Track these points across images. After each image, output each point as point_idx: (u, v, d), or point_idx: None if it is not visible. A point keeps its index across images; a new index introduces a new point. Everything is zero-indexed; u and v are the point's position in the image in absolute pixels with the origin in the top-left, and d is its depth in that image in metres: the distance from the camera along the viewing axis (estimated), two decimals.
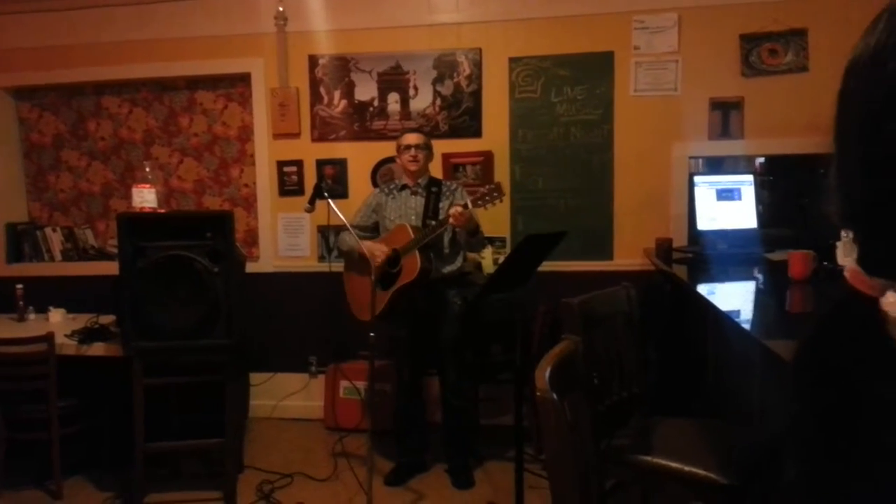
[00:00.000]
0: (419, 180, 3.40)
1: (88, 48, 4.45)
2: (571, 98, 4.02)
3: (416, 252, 3.16)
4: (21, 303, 3.95)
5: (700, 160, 4.11)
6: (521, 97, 4.08)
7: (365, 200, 3.58)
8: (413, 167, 3.36)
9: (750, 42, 3.82)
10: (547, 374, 1.65)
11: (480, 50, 4.10)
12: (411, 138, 3.39)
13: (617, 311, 2.32)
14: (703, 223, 3.40)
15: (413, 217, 3.34)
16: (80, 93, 4.67)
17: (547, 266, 3.11)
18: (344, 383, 4.13)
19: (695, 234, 3.54)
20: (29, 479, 3.45)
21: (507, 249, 4.07)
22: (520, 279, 2.92)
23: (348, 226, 3.28)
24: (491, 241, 4.07)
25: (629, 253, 3.98)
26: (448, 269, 3.32)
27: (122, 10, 4.37)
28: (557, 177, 4.07)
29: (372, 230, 3.45)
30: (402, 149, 3.39)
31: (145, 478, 3.20)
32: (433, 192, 3.35)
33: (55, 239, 4.67)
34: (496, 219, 4.07)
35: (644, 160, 3.97)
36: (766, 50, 3.81)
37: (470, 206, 3.02)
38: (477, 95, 4.13)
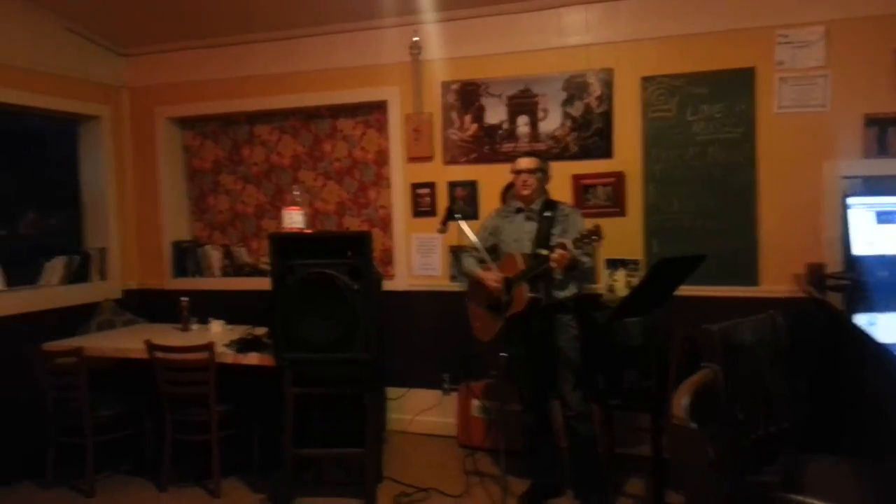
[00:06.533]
0: (533, 205, 3.40)
1: (243, 81, 4.88)
2: (709, 116, 3.90)
3: (525, 283, 3.18)
4: (185, 314, 4.35)
5: (855, 180, 3.82)
6: (654, 116, 4.00)
7: (483, 223, 3.63)
8: (524, 192, 3.38)
9: None
10: (685, 402, 1.62)
11: (612, 70, 4.08)
12: (522, 163, 3.39)
13: (762, 340, 2.22)
14: (859, 248, 3.17)
15: (527, 242, 3.34)
16: (235, 122, 5.12)
17: (686, 290, 3.03)
18: (475, 402, 4.21)
19: (850, 260, 3.30)
20: (191, 477, 3.77)
21: (641, 272, 3.99)
22: (654, 303, 2.87)
23: (472, 249, 3.36)
24: (624, 263, 4.02)
25: (776, 279, 3.77)
26: (562, 294, 3.29)
27: (272, 45, 4.76)
28: (694, 198, 3.94)
29: (491, 252, 3.44)
30: (514, 173, 3.42)
31: (292, 482, 3.41)
32: (546, 217, 3.34)
33: (214, 256, 5.12)
34: (629, 241, 4.02)
35: (791, 180, 3.77)
36: None
37: (570, 247, 3.01)
38: (607, 116, 4.10)
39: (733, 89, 3.85)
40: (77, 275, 4.87)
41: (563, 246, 3.03)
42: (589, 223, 3.28)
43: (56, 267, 4.80)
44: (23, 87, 4.42)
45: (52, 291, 4.69)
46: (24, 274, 4.76)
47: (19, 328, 4.20)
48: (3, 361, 3.98)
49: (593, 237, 3.01)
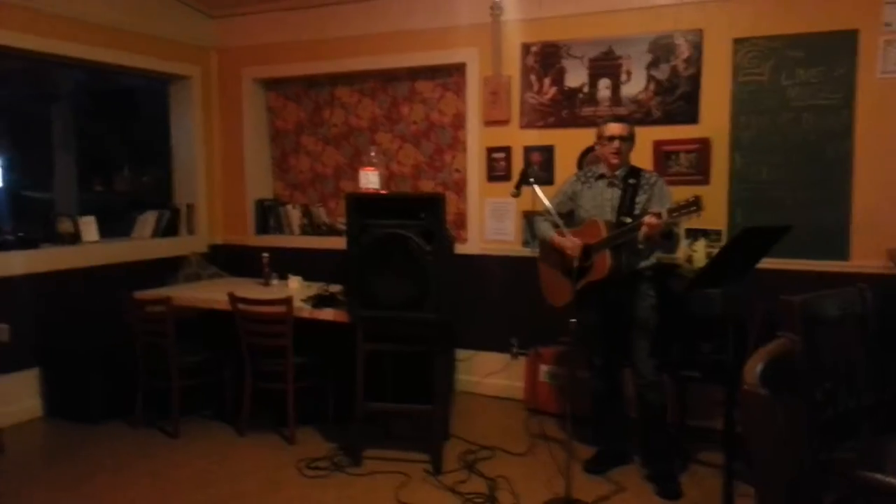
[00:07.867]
0: (617, 172, 3.27)
1: (325, 43, 4.95)
2: (805, 81, 3.68)
3: (608, 251, 3.08)
4: (266, 269, 4.52)
5: None
6: (745, 80, 3.81)
7: (561, 187, 3.51)
8: (615, 160, 3.22)
9: None
10: (758, 369, 1.57)
11: (701, 31, 3.90)
12: (615, 129, 3.21)
13: (848, 313, 2.11)
14: None
15: (608, 209, 3.22)
16: (317, 84, 5.21)
17: (771, 263, 2.90)
18: (544, 367, 4.21)
19: None
20: (268, 424, 3.95)
21: (723, 243, 3.84)
22: (735, 275, 2.76)
23: (546, 213, 3.30)
24: (705, 233, 3.88)
25: (869, 253, 3.57)
26: (643, 264, 3.20)
27: (354, 7, 4.80)
28: (785, 166, 3.75)
29: (567, 217, 3.35)
30: (604, 139, 3.25)
31: (363, 434, 3.52)
32: (630, 184, 3.20)
33: (294, 215, 5.29)
34: (712, 210, 3.84)
35: (891, 150, 3.52)
36: None
37: (665, 216, 2.86)
38: (695, 79, 3.93)
39: (833, 53, 3.61)
40: (167, 229, 5.14)
41: (658, 215, 2.88)
42: (677, 192, 3.16)
43: (147, 221, 5.09)
44: (119, 46, 4.65)
45: (143, 244, 4.98)
46: (117, 227, 5.08)
47: (112, 277, 4.50)
48: (97, 308, 4.26)
49: (692, 208, 2.78)
